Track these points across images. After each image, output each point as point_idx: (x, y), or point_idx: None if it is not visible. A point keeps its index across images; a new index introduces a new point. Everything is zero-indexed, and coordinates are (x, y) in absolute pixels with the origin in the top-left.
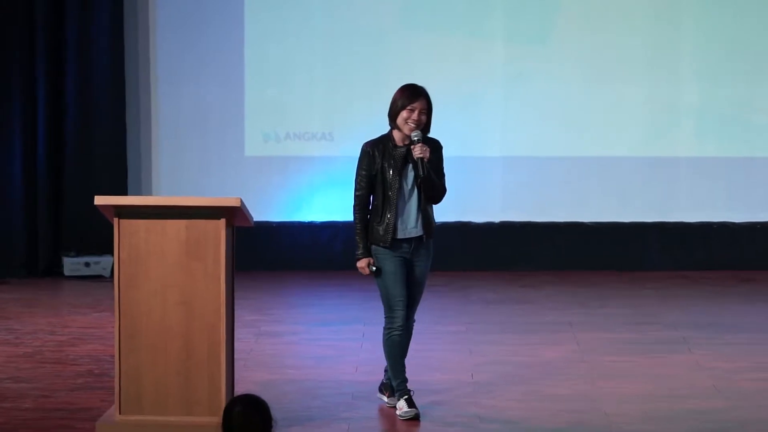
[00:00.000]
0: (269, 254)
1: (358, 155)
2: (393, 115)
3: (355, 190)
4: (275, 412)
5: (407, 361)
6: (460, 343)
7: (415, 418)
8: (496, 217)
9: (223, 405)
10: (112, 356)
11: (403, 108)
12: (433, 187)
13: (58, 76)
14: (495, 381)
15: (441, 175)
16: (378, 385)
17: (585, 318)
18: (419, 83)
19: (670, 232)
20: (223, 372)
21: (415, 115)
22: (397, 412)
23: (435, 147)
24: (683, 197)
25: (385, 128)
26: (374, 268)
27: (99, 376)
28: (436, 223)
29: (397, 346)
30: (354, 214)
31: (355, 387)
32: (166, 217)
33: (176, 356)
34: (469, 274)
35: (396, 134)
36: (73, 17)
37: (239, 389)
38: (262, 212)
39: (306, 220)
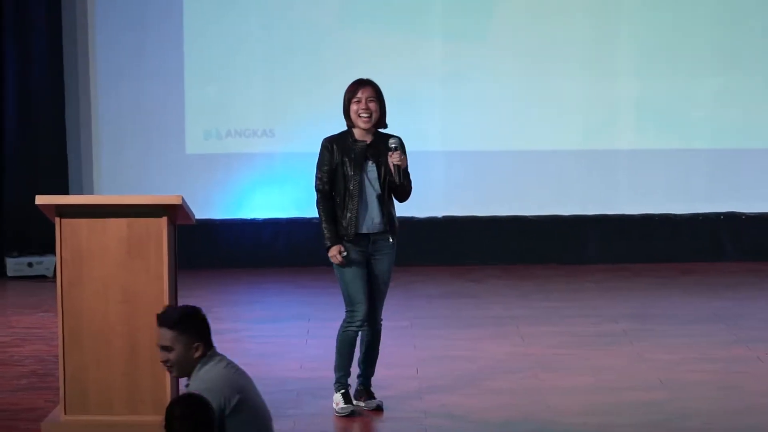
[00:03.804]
0: (211, 252)
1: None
2: (345, 112)
3: (316, 185)
4: None
5: (378, 362)
6: (404, 338)
7: (352, 415)
8: (439, 212)
9: None
10: (56, 356)
11: (350, 101)
12: (405, 192)
13: None
14: (439, 375)
15: (407, 173)
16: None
17: (528, 311)
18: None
19: (611, 224)
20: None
21: (362, 104)
22: (334, 407)
23: (401, 144)
24: (623, 190)
25: (326, 124)
26: (345, 254)
27: (43, 376)
28: (398, 220)
29: (350, 342)
30: (318, 207)
31: (300, 383)
32: (108, 216)
33: (120, 355)
34: (413, 269)
35: (355, 131)
36: (10, 16)
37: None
38: (203, 210)
39: (248, 218)
